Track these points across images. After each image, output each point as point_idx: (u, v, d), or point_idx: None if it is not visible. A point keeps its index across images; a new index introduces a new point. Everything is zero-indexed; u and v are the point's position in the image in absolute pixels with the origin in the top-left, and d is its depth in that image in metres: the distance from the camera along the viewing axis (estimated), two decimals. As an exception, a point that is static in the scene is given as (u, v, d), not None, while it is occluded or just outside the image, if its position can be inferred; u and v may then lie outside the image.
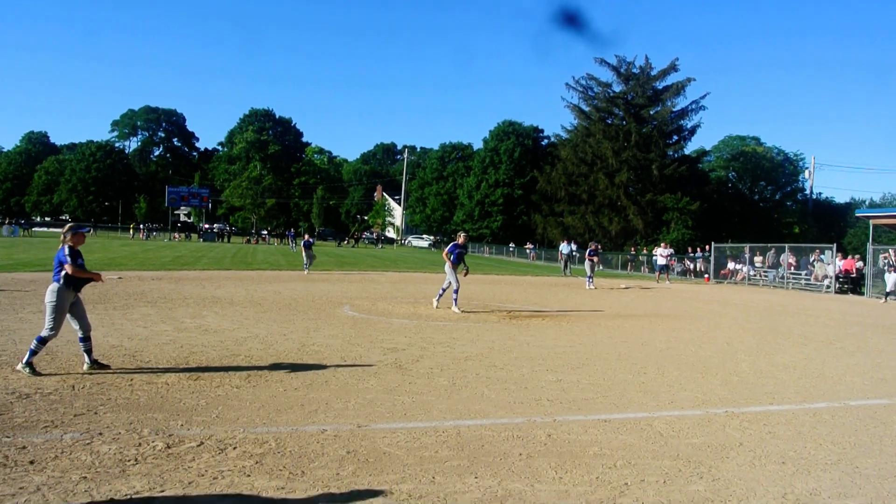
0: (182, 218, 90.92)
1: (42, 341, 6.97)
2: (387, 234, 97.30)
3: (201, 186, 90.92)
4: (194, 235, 76.14)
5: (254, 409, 5.96)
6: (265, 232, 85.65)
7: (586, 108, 65.24)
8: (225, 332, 10.40)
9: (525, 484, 4.40)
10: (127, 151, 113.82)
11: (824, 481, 4.74)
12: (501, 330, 12.13)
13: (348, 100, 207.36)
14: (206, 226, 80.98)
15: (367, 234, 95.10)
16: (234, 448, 4.87)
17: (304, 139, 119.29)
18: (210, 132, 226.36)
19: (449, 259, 14.81)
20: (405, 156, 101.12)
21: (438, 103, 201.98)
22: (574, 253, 38.43)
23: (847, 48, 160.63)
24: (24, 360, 6.98)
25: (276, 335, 10.34)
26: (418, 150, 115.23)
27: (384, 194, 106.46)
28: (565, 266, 36.07)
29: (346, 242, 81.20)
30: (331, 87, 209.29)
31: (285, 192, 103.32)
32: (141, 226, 78.42)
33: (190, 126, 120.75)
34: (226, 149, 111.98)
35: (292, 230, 72.20)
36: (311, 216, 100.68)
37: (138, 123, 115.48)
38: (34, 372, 6.93)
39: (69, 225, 7.41)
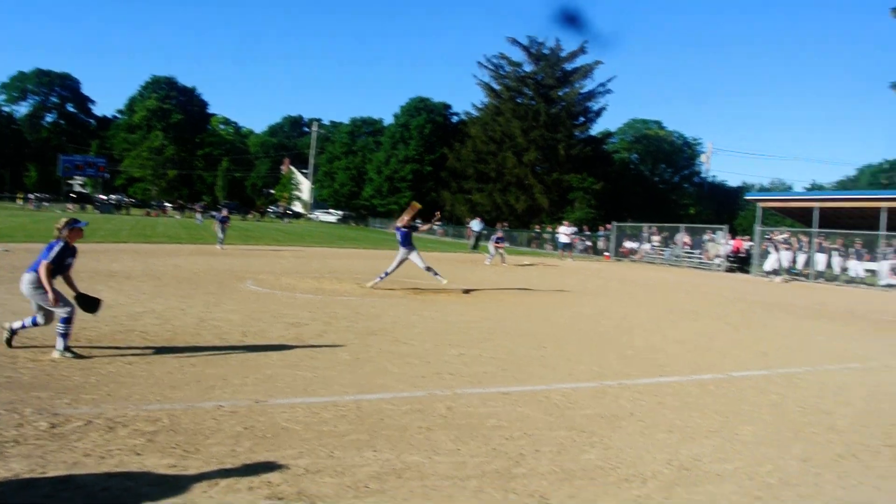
0: (77, 188, 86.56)
1: (67, 321, 6.60)
2: (294, 208, 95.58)
3: (98, 155, 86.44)
4: (90, 206, 72.61)
5: (147, 386, 5.79)
6: (167, 204, 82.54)
7: (497, 87, 65.85)
8: (119, 307, 9.99)
9: (423, 456, 4.47)
10: (16, 116, 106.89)
11: (706, 447, 5.02)
12: (406, 305, 12.19)
13: (255, 70, 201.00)
14: (103, 197, 77.25)
15: (273, 207, 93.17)
16: (125, 426, 4.72)
17: (210, 110, 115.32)
18: (109, 99, 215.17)
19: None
20: (313, 129, 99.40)
21: (348, 77, 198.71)
22: (484, 231, 38.91)
23: (745, 36, 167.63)
24: (61, 347, 6.59)
25: (174, 310, 10.05)
26: (327, 123, 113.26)
27: (291, 168, 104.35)
28: (476, 243, 36.49)
29: (251, 216, 79.35)
30: (237, 55, 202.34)
31: (188, 163, 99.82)
32: (30, 195, 74.04)
33: (87, 92, 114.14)
34: (125, 117, 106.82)
35: (201, 203, 69.93)
36: (216, 189, 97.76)
37: (29, 87, 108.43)
38: (75, 355, 6.61)
39: (66, 219, 6.91)
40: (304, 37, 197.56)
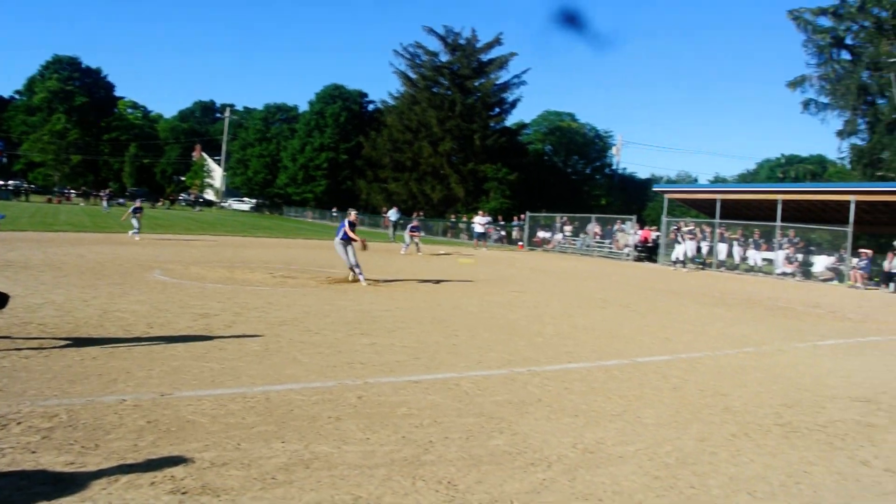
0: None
1: None
2: (205, 196, 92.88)
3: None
4: (-15, 192, 68.54)
5: (44, 381, 5.53)
6: (70, 191, 78.79)
7: (413, 76, 65.65)
8: (16, 298, 9.46)
9: (332, 446, 4.44)
10: None
11: (610, 431, 5.18)
12: (319, 295, 12.07)
13: (165, 53, 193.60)
14: (0, 182, 72.97)
15: (184, 195, 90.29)
16: (18, 423, 4.50)
17: (117, 93, 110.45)
18: (5, 79, 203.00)
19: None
20: (226, 115, 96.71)
21: (261, 62, 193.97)
22: (400, 221, 38.85)
23: (654, 30, 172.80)
24: None
25: (76, 301, 9.63)
26: (241, 109, 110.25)
27: (203, 154, 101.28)
28: (394, 232, 36.43)
29: (160, 204, 76.68)
30: (146, 37, 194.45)
31: (93, 148, 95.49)
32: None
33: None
34: (24, 98, 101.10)
35: (107, 190, 67.03)
36: (123, 175, 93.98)
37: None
38: None
39: None
40: (216, 20, 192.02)
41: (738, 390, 6.78)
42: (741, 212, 31.46)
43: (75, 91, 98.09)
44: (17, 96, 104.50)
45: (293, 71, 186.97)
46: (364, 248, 14.42)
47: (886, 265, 25.06)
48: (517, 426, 5.13)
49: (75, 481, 3.67)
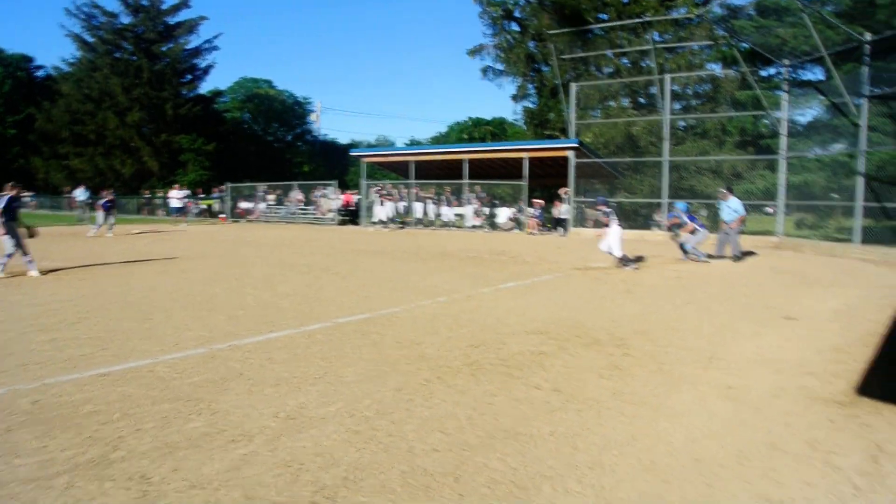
0: None
1: None
2: None
3: None
4: None
5: None
6: None
7: (91, 40, 59.40)
8: None
9: (1, 463, 3.95)
10: None
11: (312, 394, 5.25)
12: (-15, 291, 10.57)
13: None
14: None
15: None
16: None
17: None
18: None
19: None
20: None
21: None
22: (88, 200, 35.21)
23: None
24: None
25: None
26: None
27: None
28: (85, 213, 33.05)
29: None
30: None
31: None
32: None
33: None
34: None
35: None
36: None
37: None
38: None
39: None
40: None
41: (431, 338, 7.25)
42: (434, 172, 33.48)
43: None
44: None
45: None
46: (32, 235, 12.86)
47: (555, 212, 28.60)
48: (217, 405, 4.98)
49: None
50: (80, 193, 35.01)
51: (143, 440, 4.31)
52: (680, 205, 17.21)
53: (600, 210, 15.21)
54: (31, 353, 6.54)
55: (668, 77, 28.02)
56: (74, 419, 4.68)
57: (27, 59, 71.86)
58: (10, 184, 12.68)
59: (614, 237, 14.41)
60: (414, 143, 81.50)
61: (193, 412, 4.83)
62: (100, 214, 24.45)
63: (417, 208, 31.96)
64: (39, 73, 71.92)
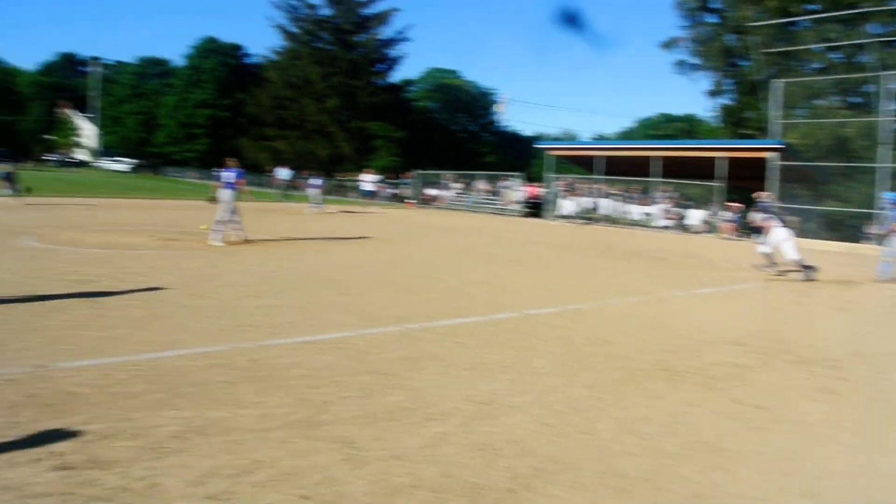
0: None
1: None
2: (76, 155, 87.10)
3: None
4: None
5: None
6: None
7: (294, 30, 63.56)
8: None
9: (226, 411, 4.32)
10: None
11: (503, 382, 5.28)
12: (205, 257, 11.66)
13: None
14: None
15: (52, 155, 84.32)
16: None
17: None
18: None
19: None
20: (93, 68, 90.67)
21: (127, 11, 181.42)
22: (291, 180, 37.74)
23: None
24: None
25: (-68, 271, 8.89)
26: (112, 63, 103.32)
27: (71, 111, 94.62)
28: (284, 192, 35.37)
29: (30, 164, 71.37)
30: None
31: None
32: None
33: None
34: None
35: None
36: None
37: None
38: None
39: None
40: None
41: (621, 337, 7.07)
42: (621, 168, 32.64)
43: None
44: None
45: (162, 22, 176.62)
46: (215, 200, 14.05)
47: (752, 218, 26.76)
48: (412, 382, 5.15)
49: (-55, 464, 3.41)
50: (283, 173, 37.47)
51: (346, 407, 4.53)
52: (890, 195, 15.00)
53: (760, 214, 13.94)
54: (246, 316, 7.12)
55: (889, 74, 25.44)
56: (286, 380, 5.02)
57: (238, 48, 78.12)
58: (232, 160, 14.08)
59: (783, 240, 13.22)
60: (600, 139, 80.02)
61: (391, 386, 5.01)
62: (314, 193, 26.41)
63: (604, 204, 31.32)
64: (245, 59, 77.93)
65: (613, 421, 4.59)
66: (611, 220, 30.97)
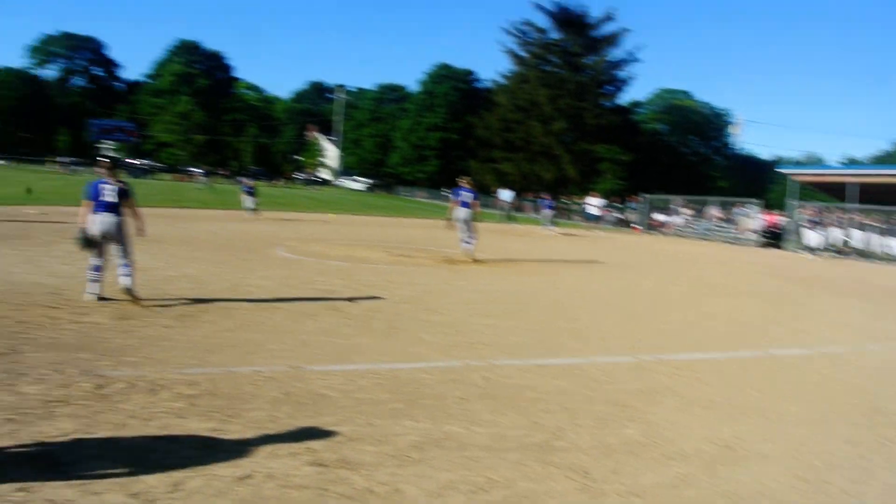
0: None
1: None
2: (320, 175, 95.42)
3: (127, 120, 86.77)
4: (121, 172, 72.44)
5: (185, 350, 5.80)
6: (192, 169, 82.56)
7: (523, 54, 64.73)
8: (154, 270, 10.02)
9: (462, 427, 4.43)
10: (45, 80, 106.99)
11: (747, 425, 4.92)
12: (436, 274, 12.15)
13: (277, 35, 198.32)
14: (135, 161, 77.20)
15: (299, 174, 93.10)
16: (167, 389, 4.74)
17: (234, 75, 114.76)
18: (135, 63, 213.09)
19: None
20: (338, 95, 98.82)
21: (370, 42, 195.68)
22: (514, 202, 38.39)
23: (771, 6, 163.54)
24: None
25: (208, 275, 10.10)
26: (354, 90, 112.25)
27: (317, 134, 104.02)
28: (507, 213, 36.07)
29: (281, 182, 79.36)
30: (260, 19, 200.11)
31: (215, 128, 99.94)
32: (62, 159, 74.46)
33: (113, 56, 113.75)
34: (153, 81, 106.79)
35: (203, 169, 69.06)
36: (243, 155, 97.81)
37: (56, 51, 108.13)
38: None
39: None
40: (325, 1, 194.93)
41: (887, 390, 6.32)
42: (878, 196, 29.30)
43: (197, 74, 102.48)
44: (145, 80, 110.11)
45: (401, 51, 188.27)
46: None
47: None
48: (649, 416, 4.96)
49: (220, 447, 3.84)
50: (505, 194, 38.19)
51: (581, 435, 4.45)
52: None
53: None
54: (478, 334, 7.30)
55: None
56: (519, 402, 5.05)
57: (470, 73, 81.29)
58: (467, 178, 14.63)
59: None
60: (852, 163, 72.90)
61: (627, 419, 4.86)
62: (548, 215, 27.26)
63: (857, 236, 28.30)
64: (476, 83, 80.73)
65: (883, 486, 4.08)
66: (865, 254, 27.93)
